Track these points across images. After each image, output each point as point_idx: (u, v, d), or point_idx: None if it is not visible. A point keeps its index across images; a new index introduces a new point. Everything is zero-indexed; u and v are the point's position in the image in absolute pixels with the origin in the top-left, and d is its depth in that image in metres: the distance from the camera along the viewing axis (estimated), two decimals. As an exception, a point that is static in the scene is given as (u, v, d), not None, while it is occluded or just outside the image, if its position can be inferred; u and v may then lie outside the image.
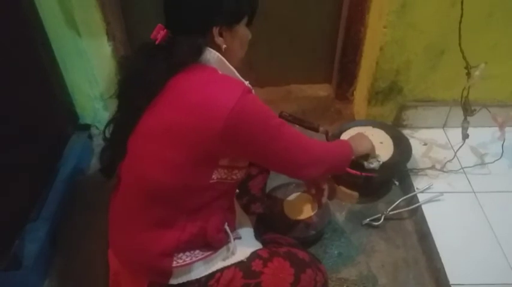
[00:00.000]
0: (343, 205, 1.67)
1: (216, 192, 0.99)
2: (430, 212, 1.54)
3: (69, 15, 1.65)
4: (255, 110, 0.91)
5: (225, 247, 1.04)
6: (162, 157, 0.92)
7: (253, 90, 0.95)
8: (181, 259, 0.97)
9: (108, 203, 1.08)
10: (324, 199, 1.33)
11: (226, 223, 1.05)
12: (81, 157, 1.83)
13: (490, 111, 1.62)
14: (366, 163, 1.49)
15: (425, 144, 1.85)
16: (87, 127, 1.96)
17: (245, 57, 1.07)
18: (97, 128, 1.97)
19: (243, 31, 1.01)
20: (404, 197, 1.63)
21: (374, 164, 1.50)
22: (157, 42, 0.95)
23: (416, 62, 1.72)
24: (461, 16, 1.44)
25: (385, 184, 1.73)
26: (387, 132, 1.71)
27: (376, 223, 1.57)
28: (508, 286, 1.33)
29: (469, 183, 1.65)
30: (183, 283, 0.98)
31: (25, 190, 1.51)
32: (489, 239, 1.45)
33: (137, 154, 0.98)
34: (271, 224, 1.45)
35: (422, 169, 1.71)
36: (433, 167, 1.71)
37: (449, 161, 1.70)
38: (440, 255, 1.39)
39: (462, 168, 1.70)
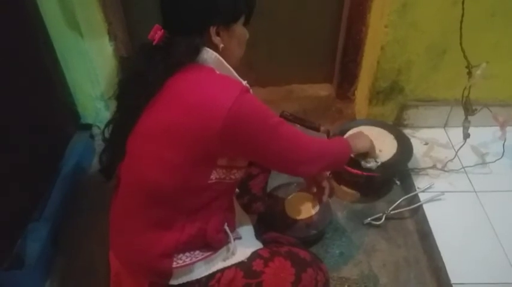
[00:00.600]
0: (344, 205, 1.67)
1: (215, 192, 0.99)
2: (431, 211, 1.54)
3: (70, 16, 1.66)
4: (252, 109, 0.91)
5: (225, 248, 1.05)
6: (160, 157, 0.93)
7: (251, 90, 0.95)
8: (181, 259, 0.98)
9: (110, 202, 1.08)
10: (325, 198, 1.33)
11: (225, 223, 1.05)
12: (83, 156, 1.84)
13: (491, 111, 1.62)
14: (362, 162, 1.50)
15: (426, 143, 1.85)
16: (88, 127, 1.96)
17: (245, 57, 1.07)
18: (98, 127, 1.97)
19: (240, 30, 1.01)
20: (406, 197, 1.63)
21: (371, 164, 1.50)
22: (154, 43, 0.95)
23: (417, 61, 1.72)
24: (463, 16, 1.44)
25: (386, 183, 1.73)
26: (388, 132, 1.71)
27: (377, 223, 1.57)
28: (509, 285, 1.33)
29: (470, 182, 1.65)
30: (184, 283, 0.99)
31: (27, 189, 1.51)
32: (490, 238, 1.45)
33: (136, 154, 0.98)
34: (272, 224, 1.45)
35: (424, 169, 1.71)
36: (434, 167, 1.71)
37: (450, 160, 1.70)
38: (442, 254, 1.39)
39: (463, 167, 1.70)
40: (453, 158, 1.70)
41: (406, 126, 1.91)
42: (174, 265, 0.96)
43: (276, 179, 1.61)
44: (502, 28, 1.62)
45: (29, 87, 1.54)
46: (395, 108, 1.88)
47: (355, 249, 1.51)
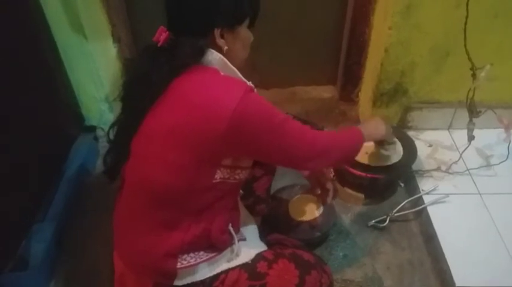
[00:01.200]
0: (348, 207, 1.67)
1: (220, 192, 0.99)
2: (435, 213, 1.54)
3: (75, 18, 1.66)
4: (257, 109, 0.91)
5: (229, 249, 1.04)
6: (165, 158, 0.93)
7: (255, 90, 0.95)
8: (185, 260, 0.98)
9: (114, 204, 1.09)
10: (329, 199, 1.33)
11: (230, 224, 1.05)
12: (87, 158, 1.84)
13: (495, 113, 1.62)
14: (381, 151, 1.47)
15: (430, 145, 1.84)
16: (92, 129, 1.97)
17: (249, 58, 1.07)
18: (102, 129, 1.98)
19: (245, 33, 1.02)
20: (410, 199, 1.62)
21: (388, 151, 1.47)
22: (159, 45, 0.95)
23: (421, 63, 1.71)
24: (467, 17, 1.44)
25: (390, 185, 1.73)
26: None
27: (381, 225, 1.56)
28: (514, 288, 1.32)
29: (475, 185, 1.65)
30: (188, 284, 0.99)
31: (31, 191, 1.51)
32: (495, 241, 1.44)
33: (140, 155, 0.99)
34: (276, 226, 1.45)
35: (428, 171, 1.71)
36: (438, 169, 1.71)
37: (455, 162, 1.70)
38: (446, 257, 1.39)
39: (468, 170, 1.69)
40: (457, 160, 1.70)
41: (410, 128, 1.91)
42: (179, 265, 0.96)
43: (280, 181, 1.61)
44: (506, 30, 1.62)
45: (33, 89, 1.55)
46: (399, 110, 1.87)
47: (359, 251, 1.50)
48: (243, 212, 1.20)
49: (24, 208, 1.46)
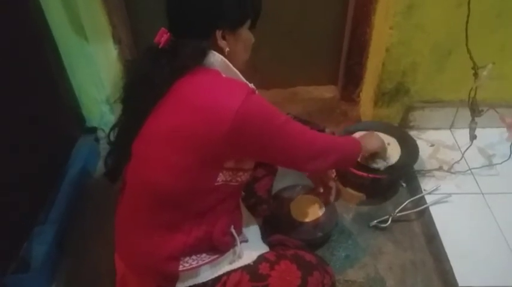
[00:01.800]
0: (350, 207, 1.66)
1: (222, 194, 0.99)
2: (437, 213, 1.53)
3: (75, 20, 1.66)
4: (259, 110, 0.91)
5: (231, 251, 1.04)
6: (167, 160, 0.93)
7: (257, 91, 0.95)
8: (187, 262, 0.97)
9: (115, 205, 1.08)
10: (332, 198, 1.33)
11: (232, 226, 1.05)
12: (88, 159, 1.84)
13: (497, 112, 1.61)
14: (370, 162, 1.49)
15: (432, 145, 1.84)
16: (93, 130, 1.97)
17: (250, 59, 1.07)
18: (103, 131, 1.98)
19: (246, 35, 1.02)
20: (412, 199, 1.62)
21: (379, 164, 1.50)
22: (160, 46, 0.95)
23: (422, 63, 1.71)
24: (468, 16, 1.43)
25: (392, 185, 1.72)
26: (393, 134, 1.70)
27: (383, 225, 1.56)
28: (517, 288, 1.32)
29: (477, 184, 1.64)
30: (190, 286, 0.98)
31: (32, 193, 1.51)
32: (498, 240, 1.44)
33: (142, 157, 0.98)
34: (278, 226, 1.45)
35: (430, 170, 1.70)
36: (440, 169, 1.70)
37: (457, 162, 1.69)
38: (449, 257, 1.38)
39: (470, 169, 1.69)
40: (460, 160, 1.69)
41: (411, 128, 1.90)
42: (181, 268, 0.96)
43: (282, 182, 1.61)
44: (508, 29, 1.61)
45: (34, 90, 1.55)
46: (401, 110, 1.87)
47: (361, 252, 1.50)
48: (245, 213, 1.20)
49: (25, 210, 1.46)
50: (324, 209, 1.51)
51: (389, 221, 1.56)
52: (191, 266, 0.97)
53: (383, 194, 1.69)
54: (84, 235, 1.59)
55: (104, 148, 1.96)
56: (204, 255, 1.00)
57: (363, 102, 2.07)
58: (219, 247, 1.01)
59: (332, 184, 1.34)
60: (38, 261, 1.38)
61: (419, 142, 1.72)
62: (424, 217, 1.58)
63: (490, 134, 1.79)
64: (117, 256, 1.07)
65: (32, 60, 1.55)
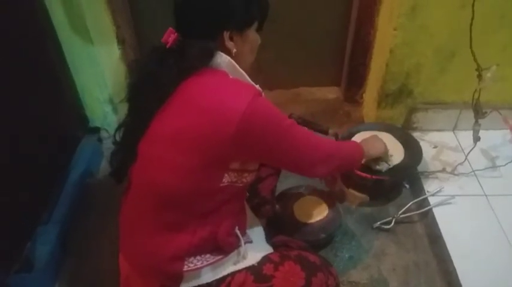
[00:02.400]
0: (353, 208, 1.66)
1: (226, 196, 0.99)
2: (441, 215, 1.53)
3: (80, 20, 1.66)
4: (265, 113, 0.91)
5: (235, 251, 1.04)
6: (172, 161, 0.92)
7: (263, 93, 0.95)
8: (192, 263, 0.97)
9: (118, 205, 1.08)
10: (338, 186, 1.36)
11: (236, 227, 1.05)
12: (91, 160, 1.84)
13: (501, 114, 1.61)
14: (372, 164, 1.50)
15: (435, 147, 1.84)
16: (96, 130, 1.97)
17: (254, 60, 1.07)
18: (106, 131, 1.98)
19: (253, 36, 1.02)
20: (415, 200, 1.62)
21: (381, 166, 1.50)
22: (168, 46, 0.95)
23: (426, 64, 1.71)
24: (472, 18, 1.43)
25: (395, 187, 1.72)
26: (397, 136, 1.70)
27: (386, 226, 1.56)
28: (521, 289, 1.31)
29: (481, 186, 1.64)
30: None
31: (36, 192, 1.51)
32: (501, 242, 1.44)
33: (148, 158, 0.98)
34: (281, 227, 1.45)
35: (433, 172, 1.70)
36: (443, 170, 1.70)
37: (460, 164, 1.69)
38: (452, 258, 1.39)
39: (473, 171, 1.68)
40: (463, 162, 1.69)
41: (415, 129, 1.90)
42: (185, 268, 0.96)
43: (285, 182, 1.61)
44: (512, 30, 1.61)
45: (38, 90, 1.56)
46: (404, 111, 1.87)
47: (365, 253, 1.50)
48: (249, 214, 1.20)
49: (29, 209, 1.46)
50: (327, 210, 1.51)
51: (392, 223, 1.56)
52: (196, 267, 0.97)
53: (386, 196, 1.69)
54: (87, 235, 1.59)
55: (107, 148, 1.96)
56: (208, 256, 0.99)
57: (366, 104, 2.07)
58: (224, 247, 1.00)
59: (343, 187, 1.35)
60: (42, 261, 1.38)
61: (422, 144, 1.72)
62: (428, 218, 1.58)
63: (493, 136, 1.78)
64: (122, 256, 1.07)
65: (36, 59, 1.55)
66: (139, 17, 1.89)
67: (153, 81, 0.94)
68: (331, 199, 1.51)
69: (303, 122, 1.75)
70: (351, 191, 1.68)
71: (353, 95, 2.13)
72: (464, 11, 1.49)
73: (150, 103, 0.95)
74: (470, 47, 1.46)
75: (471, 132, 1.59)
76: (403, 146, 1.68)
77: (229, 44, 0.96)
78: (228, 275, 1.01)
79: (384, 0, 1.72)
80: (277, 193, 1.47)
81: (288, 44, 2.04)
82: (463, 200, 1.58)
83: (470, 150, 1.64)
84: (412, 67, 1.72)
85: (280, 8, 1.87)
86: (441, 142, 1.85)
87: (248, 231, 1.13)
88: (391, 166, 1.55)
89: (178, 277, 0.96)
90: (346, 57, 2.09)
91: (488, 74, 1.45)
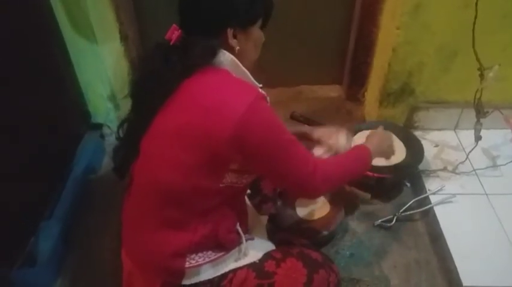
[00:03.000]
0: (355, 206, 1.67)
1: (227, 195, 0.99)
2: (442, 213, 1.54)
3: (84, 16, 1.67)
4: (266, 118, 0.90)
5: (237, 248, 1.05)
6: (174, 159, 0.93)
7: (268, 98, 0.95)
8: (194, 259, 0.98)
9: (121, 202, 1.09)
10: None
11: (238, 224, 1.05)
12: (94, 156, 1.85)
13: (502, 114, 1.61)
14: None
15: (436, 146, 1.84)
16: (99, 126, 1.97)
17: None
18: (109, 127, 1.98)
19: (257, 33, 1.01)
20: (416, 199, 1.62)
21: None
22: (171, 43, 0.95)
23: (428, 63, 1.71)
24: (475, 17, 1.43)
25: (396, 185, 1.73)
26: (398, 134, 1.71)
27: (388, 224, 1.56)
28: (521, 288, 1.32)
29: (481, 185, 1.65)
30: (196, 283, 0.99)
31: (38, 188, 1.52)
32: (502, 240, 1.44)
33: (149, 155, 0.98)
34: (283, 225, 1.45)
35: (434, 171, 1.70)
36: (444, 169, 1.71)
37: (461, 163, 1.70)
38: (453, 256, 1.39)
39: (474, 170, 1.69)
40: (464, 161, 1.69)
41: (416, 128, 1.90)
42: (187, 265, 0.96)
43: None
44: (515, 30, 1.62)
45: (42, 86, 1.56)
46: (406, 110, 1.87)
47: (366, 251, 1.51)
48: (251, 211, 1.20)
49: (32, 205, 1.47)
50: (329, 208, 1.52)
51: (393, 221, 1.56)
52: (197, 263, 0.97)
53: (388, 194, 1.70)
54: (89, 231, 1.60)
55: (109, 144, 1.97)
56: (210, 252, 1.00)
57: (368, 102, 2.07)
58: (225, 244, 1.01)
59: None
60: (44, 256, 1.39)
61: (423, 143, 1.73)
62: (429, 216, 1.58)
63: (494, 136, 1.79)
64: (124, 252, 1.07)
65: (39, 56, 1.56)
66: (142, 13, 1.89)
67: (157, 78, 0.94)
68: (333, 196, 1.52)
69: (305, 119, 1.76)
70: (353, 189, 1.68)
71: (355, 94, 2.13)
72: (467, 10, 1.49)
73: (153, 100, 0.95)
74: (473, 46, 1.46)
75: (472, 131, 1.59)
76: (405, 145, 1.68)
77: (233, 41, 0.96)
78: (229, 271, 1.01)
79: (387, -1, 1.73)
80: (278, 190, 1.47)
81: (290, 42, 2.04)
82: (464, 199, 1.59)
83: (472, 149, 1.65)
84: (414, 66, 1.72)
85: (282, 5, 1.87)
86: (442, 141, 1.85)
87: (250, 228, 1.14)
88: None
89: (180, 274, 0.97)
90: (348, 55, 2.09)
91: (490, 74, 1.45)
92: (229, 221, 1.02)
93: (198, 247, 0.98)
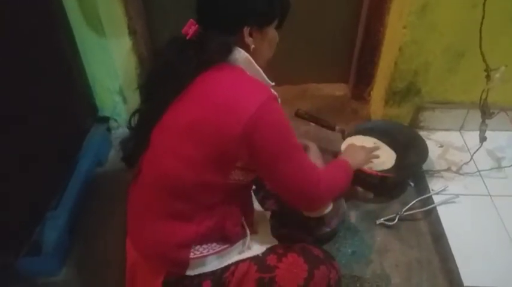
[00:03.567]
0: (357, 204, 1.67)
1: (234, 190, 1.01)
2: (444, 213, 1.54)
3: (93, 11, 1.68)
4: (275, 119, 0.91)
5: (241, 241, 1.06)
6: (183, 153, 0.94)
7: (279, 99, 0.95)
8: (198, 250, 0.99)
9: (126, 194, 1.10)
10: None
11: (243, 218, 1.06)
12: (100, 148, 1.87)
13: (508, 115, 1.61)
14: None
15: (441, 146, 1.84)
16: (106, 120, 1.99)
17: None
18: (116, 121, 2.00)
19: (272, 33, 1.03)
20: (420, 198, 1.63)
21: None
22: (188, 37, 0.96)
23: (435, 63, 1.71)
24: (483, 18, 1.43)
25: (400, 184, 1.73)
26: (401, 134, 1.71)
27: (390, 223, 1.57)
28: (522, 289, 1.32)
29: (485, 186, 1.64)
30: (199, 274, 1.00)
31: (45, 179, 1.53)
32: (504, 241, 1.45)
33: (159, 147, 1.00)
34: (285, 221, 1.46)
35: (438, 171, 1.71)
36: (449, 169, 1.71)
37: (466, 163, 1.70)
38: (455, 256, 1.39)
39: (478, 171, 1.69)
40: (468, 161, 1.69)
41: (421, 128, 1.90)
42: (192, 255, 0.97)
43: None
44: (522, 32, 1.61)
45: (49, 79, 1.57)
46: (411, 109, 1.87)
47: (368, 249, 1.51)
48: (256, 206, 1.21)
49: (38, 195, 1.49)
50: (331, 205, 1.52)
51: (396, 220, 1.57)
52: (202, 255, 0.99)
53: (391, 193, 1.70)
54: (94, 222, 1.62)
55: (115, 137, 1.99)
56: (214, 244, 1.01)
57: (374, 101, 2.07)
58: (230, 237, 1.02)
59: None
60: (50, 245, 1.41)
61: (428, 143, 1.73)
62: (431, 216, 1.59)
63: (499, 137, 1.79)
64: (129, 242, 1.08)
65: (48, 48, 1.57)
66: (151, 8, 1.90)
67: (171, 70, 0.95)
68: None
69: (310, 117, 1.76)
70: (356, 187, 1.69)
71: (361, 93, 2.14)
72: (475, 11, 1.49)
73: (167, 93, 0.96)
74: (480, 47, 1.46)
75: (478, 132, 1.59)
76: (409, 145, 1.69)
77: (249, 40, 0.97)
78: (232, 264, 1.03)
79: (395, -2, 1.73)
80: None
81: (297, 40, 2.05)
82: (467, 200, 1.59)
83: (476, 150, 1.64)
84: (420, 66, 1.72)
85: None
86: (447, 142, 1.86)
87: (254, 223, 1.15)
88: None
89: (185, 264, 0.98)
90: (355, 54, 2.10)
91: (497, 75, 1.45)
92: (235, 215, 1.04)
93: (203, 239, 0.99)
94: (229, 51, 0.95)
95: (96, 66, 1.86)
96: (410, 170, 1.67)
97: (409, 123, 1.90)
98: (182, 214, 0.98)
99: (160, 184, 0.99)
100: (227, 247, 1.03)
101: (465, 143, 1.85)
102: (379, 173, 1.55)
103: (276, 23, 1.02)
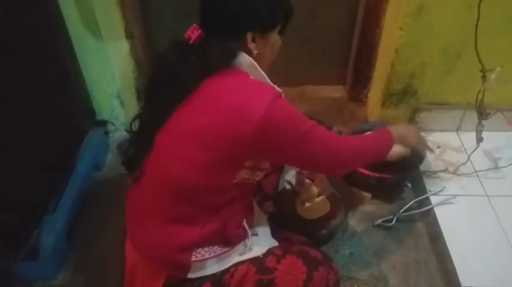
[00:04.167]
0: (355, 206, 1.68)
1: (238, 192, 1.01)
2: (442, 214, 1.54)
3: (90, 14, 1.68)
4: (286, 114, 0.92)
5: (242, 243, 1.06)
6: (189, 156, 0.94)
7: (283, 95, 0.96)
8: (200, 253, 0.99)
9: (124, 198, 1.10)
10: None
11: (244, 220, 1.07)
12: (98, 152, 1.86)
13: (505, 116, 1.62)
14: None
15: (438, 147, 1.84)
16: (103, 123, 1.99)
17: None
18: (113, 124, 2.00)
19: (275, 38, 1.04)
20: (417, 199, 1.63)
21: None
22: (190, 42, 0.96)
23: (431, 64, 1.72)
24: (478, 19, 1.44)
25: (397, 185, 1.73)
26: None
27: (388, 224, 1.57)
28: (520, 289, 1.33)
29: (482, 187, 1.65)
30: (200, 277, 1.00)
31: (43, 182, 1.53)
32: (501, 242, 1.45)
33: (164, 151, 0.99)
34: (283, 223, 1.46)
35: (435, 172, 1.71)
36: (446, 170, 1.71)
37: (463, 164, 1.70)
38: (452, 257, 1.40)
39: (475, 171, 1.69)
40: (465, 162, 1.69)
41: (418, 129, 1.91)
42: (193, 258, 0.98)
43: (287, 178, 1.62)
44: (517, 33, 1.62)
45: (47, 82, 1.58)
46: (408, 111, 1.88)
47: (365, 250, 1.51)
48: (256, 208, 1.21)
49: (36, 199, 1.49)
50: (329, 207, 1.52)
51: (393, 221, 1.57)
52: (203, 257, 0.99)
53: (388, 194, 1.70)
54: (92, 225, 1.62)
55: (113, 141, 1.99)
56: (216, 247, 1.02)
57: (371, 103, 2.08)
58: (232, 239, 1.03)
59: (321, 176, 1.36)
60: (47, 249, 1.40)
61: (425, 143, 1.73)
62: (429, 217, 1.59)
63: (496, 137, 1.79)
64: (129, 245, 1.08)
65: (45, 52, 1.57)
66: (148, 12, 1.90)
67: (173, 76, 0.95)
68: (334, 195, 1.52)
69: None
70: (354, 189, 1.69)
71: (358, 94, 2.14)
72: (471, 12, 1.49)
73: (171, 97, 0.96)
74: (476, 48, 1.46)
75: (474, 133, 1.60)
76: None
77: (252, 45, 0.97)
78: (231, 266, 1.03)
79: (391, 0, 1.73)
80: (279, 189, 1.48)
81: (293, 42, 2.05)
82: (465, 200, 1.60)
83: (473, 151, 1.65)
84: (417, 67, 1.73)
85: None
86: (444, 142, 1.86)
87: (255, 225, 1.15)
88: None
89: (186, 267, 0.98)
90: (351, 56, 2.10)
91: (493, 76, 1.46)
92: (238, 217, 1.05)
93: (205, 242, 1.00)
94: (232, 56, 0.95)
95: (93, 70, 1.86)
96: (408, 171, 1.67)
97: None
98: (186, 217, 0.98)
99: (165, 187, 0.99)
100: (228, 250, 1.03)
101: (462, 143, 1.85)
102: (376, 174, 1.56)
103: (278, 28, 1.02)
